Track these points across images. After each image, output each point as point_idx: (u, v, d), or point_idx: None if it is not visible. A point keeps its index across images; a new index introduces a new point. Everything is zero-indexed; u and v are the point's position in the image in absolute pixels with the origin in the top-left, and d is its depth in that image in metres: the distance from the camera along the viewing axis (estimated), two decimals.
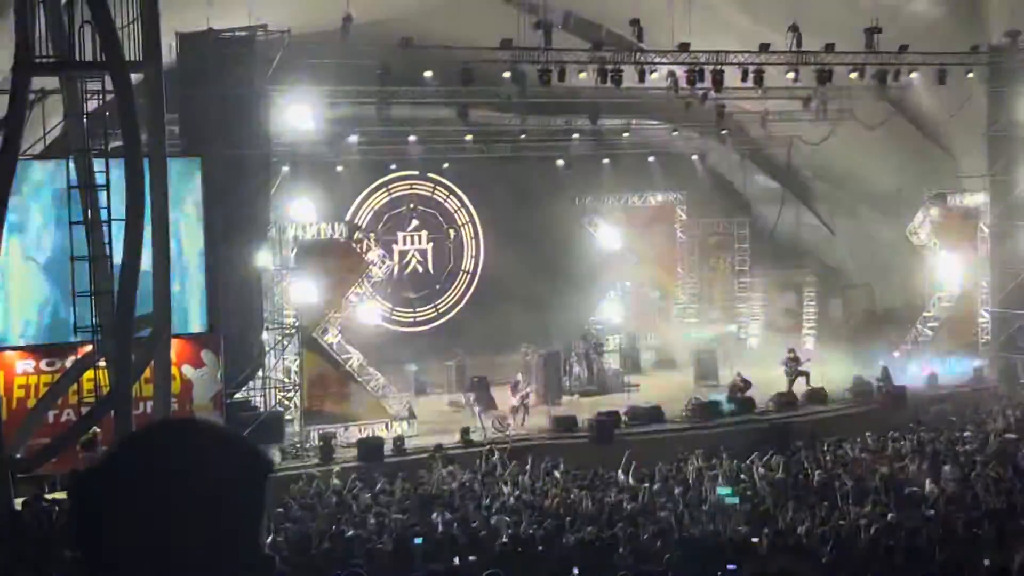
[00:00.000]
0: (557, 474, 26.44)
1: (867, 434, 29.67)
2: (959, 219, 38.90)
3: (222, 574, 1.94)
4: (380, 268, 33.30)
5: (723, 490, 22.77)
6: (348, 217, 37.10)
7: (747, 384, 34.68)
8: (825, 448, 28.67)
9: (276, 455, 28.73)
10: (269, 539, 17.55)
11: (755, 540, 17.68)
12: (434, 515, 21.75)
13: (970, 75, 36.09)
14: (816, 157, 41.92)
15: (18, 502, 21.38)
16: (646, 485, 24.91)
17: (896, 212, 40.28)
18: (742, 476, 25.46)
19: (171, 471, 1.94)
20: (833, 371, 35.55)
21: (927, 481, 23.75)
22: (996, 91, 36.76)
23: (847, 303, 45.22)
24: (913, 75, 35.88)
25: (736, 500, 22.15)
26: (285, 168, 33.87)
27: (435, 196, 41.84)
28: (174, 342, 25.09)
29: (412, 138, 37.84)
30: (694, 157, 44.90)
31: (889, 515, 20.12)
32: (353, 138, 36.93)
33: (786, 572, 3.55)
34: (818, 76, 34.63)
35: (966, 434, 29.46)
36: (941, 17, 35.95)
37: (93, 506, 1.97)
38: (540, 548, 16.56)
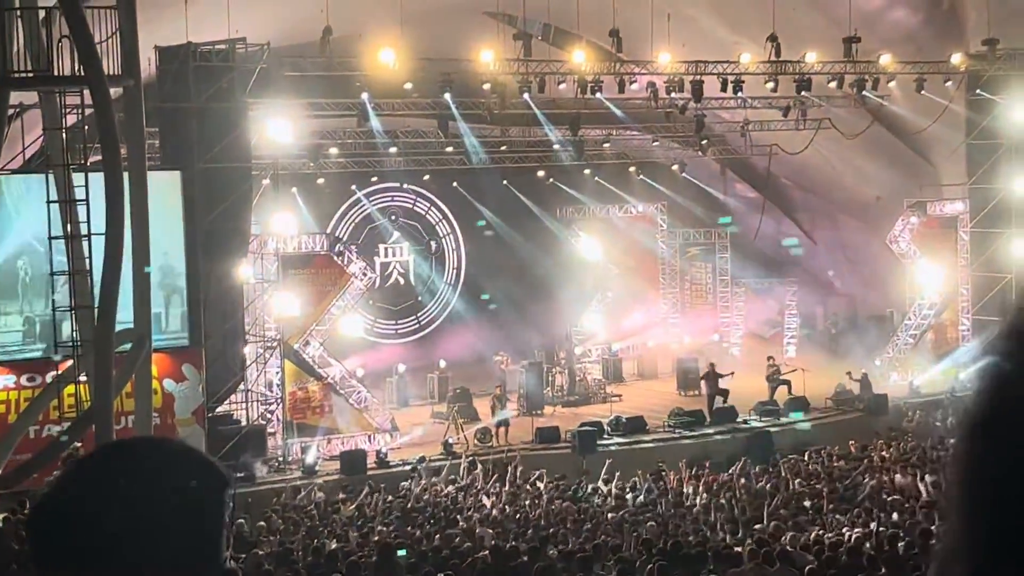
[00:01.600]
0: (540, 485, 26.43)
1: (850, 442, 29.75)
2: (939, 227, 39.03)
3: None
4: (362, 280, 33.27)
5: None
6: (329, 229, 37.08)
7: (716, 375, 34.73)
8: (807, 457, 28.72)
9: (261, 468, 28.69)
10: (262, 552, 17.49)
11: (738, 549, 17.67)
12: (417, 527, 21.73)
13: (948, 84, 36.24)
14: (796, 166, 42.02)
15: None
16: (630, 495, 24.93)
17: (876, 220, 40.41)
18: (725, 487, 25.49)
19: (124, 491, 1.93)
20: (815, 379, 35.59)
21: (911, 488, 23.80)
22: (974, 100, 36.90)
23: (828, 312, 45.33)
24: (891, 84, 36.03)
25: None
26: (266, 181, 33.83)
27: (416, 208, 41.87)
28: (155, 356, 25.01)
29: (392, 150, 37.82)
30: (674, 167, 44.97)
31: (872, 524, 20.16)
32: (334, 150, 36.92)
33: None
34: (797, 85, 34.76)
35: (950, 441, 29.50)
36: (919, 26, 36.11)
37: (47, 533, 1.95)
38: (524, 559, 16.53)
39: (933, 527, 18.05)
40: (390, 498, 25.31)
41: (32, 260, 26.04)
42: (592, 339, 42.01)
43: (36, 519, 1.98)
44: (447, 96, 32.75)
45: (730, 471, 27.10)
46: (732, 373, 35.54)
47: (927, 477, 24.47)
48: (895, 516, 21.27)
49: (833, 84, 35.45)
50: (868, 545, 17.52)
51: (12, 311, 26.82)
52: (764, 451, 30.34)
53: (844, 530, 19.98)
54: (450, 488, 26.53)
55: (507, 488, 26.24)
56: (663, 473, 27.30)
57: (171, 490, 1.95)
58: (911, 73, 35.59)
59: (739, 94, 34.76)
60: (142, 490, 1.93)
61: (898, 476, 25.31)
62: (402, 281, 41.50)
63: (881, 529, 19.36)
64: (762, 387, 35.41)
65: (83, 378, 22.71)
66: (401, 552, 17.56)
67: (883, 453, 28.40)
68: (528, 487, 26.36)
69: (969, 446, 1.43)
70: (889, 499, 22.96)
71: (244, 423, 29.45)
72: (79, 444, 22.88)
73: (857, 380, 35.45)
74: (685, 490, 25.50)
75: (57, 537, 1.94)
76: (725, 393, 34.59)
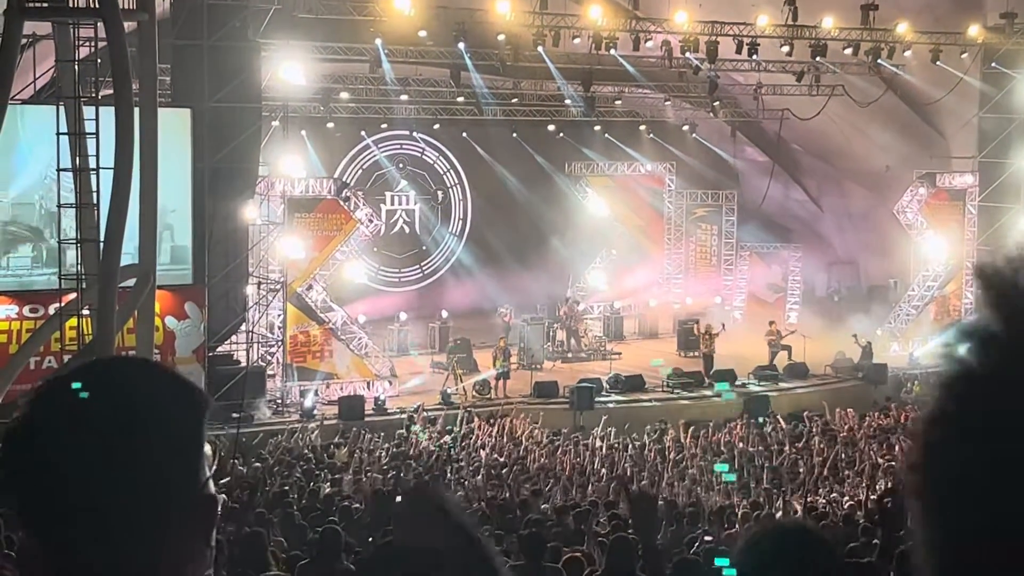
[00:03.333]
0: (537, 434, 26.51)
1: (848, 410, 29.80)
2: (947, 199, 38.94)
3: (159, 514, 1.90)
4: (367, 226, 33.24)
5: (720, 467, 22.70)
6: (337, 174, 37.04)
7: (711, 335, 34.98)
8: (804, 422, 28.78)
9: (264, 411, 28.74)
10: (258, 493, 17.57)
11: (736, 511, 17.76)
12: (412, 475, 21.80)
13: (964, 55, 36.09)
14: (807, 132, 41.90)
15: None
16: (628, 452, 25.02)
17: (884, 190, 40.33)
18: (722, 448, 25.60)
19: (99, 407, 1.89)
20: (816, 346, 35.60)
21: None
22: (989, 73, 36.75)
23: (832, 279, 45.32)
24: (907, 53, 35.88)
25: (733, 478, 22.11)
26: (275, 123, 33.77)
27: (425, 157, 41.80)
28: (158, 293, 25.01)
29: (404, 97, 37.72)
30: (685, 127, 44.85)
31: (861, 490, 20.24)
32: (345, 95, 36.84)
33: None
34: (812, 50, 34.63)
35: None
36: None
37: (19, 453, 1.91)
38: (517, 513, 16.60)
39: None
40: (385, 445, 25.41)
41: (48, 192, 26.07)
42: (595, 296, 42.01)
43: (10, 434, 1.96)
44: (461, 46, 32.63)
45: (724, 431, 27.25)
46: (723, 327, 35.89)
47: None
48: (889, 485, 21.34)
49: (848, 51, 35.31)
50: (860, 514, 17.58)
51: (26, 239, 26.98)
52: (760, 415, 30.41)
53: (839, 496, 20.05)
54: (446, 438, 26.62)
55: (503, 440, 26.32)
56: (664, 431, 27.40)
57: (144, 409, 1.91)
58: (927, 43, 35.44)
59: (754, 57, 34.63)
60: (112, 409, 1.89)
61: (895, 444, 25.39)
62: (407, 230, 41.49)
63: (872, 497, 19.43)
64: (762, 351, 35.44)
65: (86, 311, 22.73)
66: (398, 499, 17.63)
67: (880, 422, 28.47)
68: (525, 440, 26.45)
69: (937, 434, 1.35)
70: (883, 467, 23.05)
71: (244, 364, 29.51)
72: None
73: (861, 346, 35.43)
74: (685, 450, 25.59)
75: (21, 461, 1.91)
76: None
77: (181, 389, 2.00)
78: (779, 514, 17.90)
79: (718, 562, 11.34)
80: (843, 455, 24.84)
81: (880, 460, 24.00)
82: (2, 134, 21.99)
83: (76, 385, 1.94)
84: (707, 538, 14.92)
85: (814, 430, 27.72)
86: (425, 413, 28.89)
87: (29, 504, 1.91)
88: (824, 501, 19.75)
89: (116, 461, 1.87)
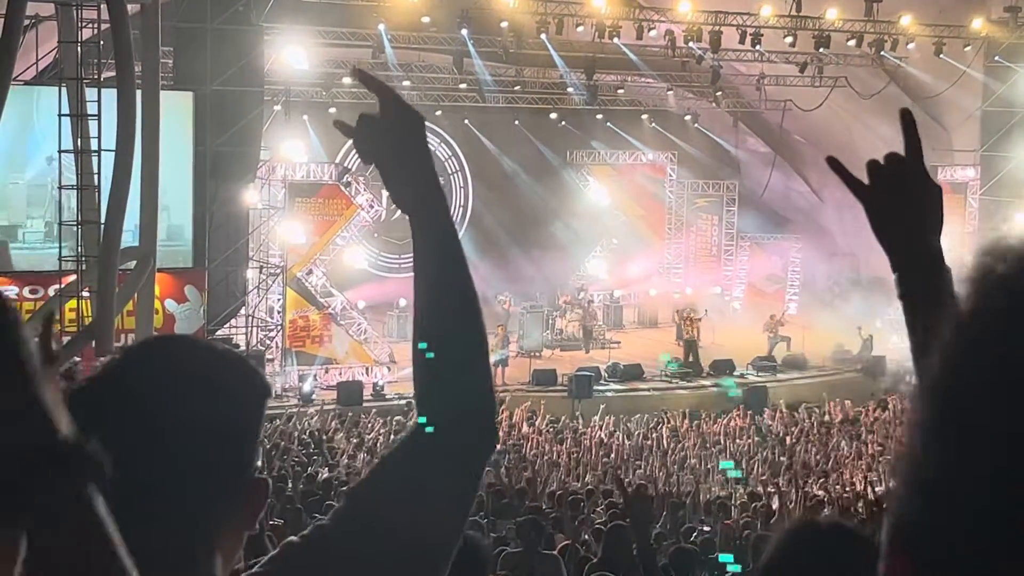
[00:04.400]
0: (538, 422, 26.52)
1: (846, 401, 29.82)
2: (948, 193, 38.63)
3: (208, 495, 1.92)
4: (368, 212, 33.24)
5: (725, 464, 22.58)
6: (338, 160, 37.00)
7: (692, 321, 34.98)
8: (801, 413, 28.80)
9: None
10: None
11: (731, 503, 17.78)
12: None
13: (967, 48, 36.05)
14: (809, 123, 41.86)
15: None
16: (626, 441, 25.03)
17: None
18: (719, 439, 25.61)
19: (168, 385, 1.91)
20: (815, 337, 35.61)
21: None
22: (992, 67, 36.72)
23: (832, 270, 45.30)
24: (910, 46, 35.85)
25: (739, 474, 22.02)
26: (277, 107, 33.75)
27: None
28: (158, 276, 25.02)
29: (406, 83, 37.67)
30: (687, 117, 44.82)
31: (859, 480, 20.25)
32: (347, 80, 36.79)
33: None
34: (815, 41, 34.59)
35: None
36: None
37: (81, 418, 1.95)
38: (514, 499, 16.61)
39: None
40: (383, 430, 25.42)
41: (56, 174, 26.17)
42: (595, 284, 42.02)
43: (75, 400, 1.98)
44: (464, 32, 32.60)
45: (724, 420, 27.28)
46: (706, 312, 36.30)
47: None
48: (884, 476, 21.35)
49: (852, 42, 35.28)
50: (860, 504, 17.60)
51: (38, 216, 27.37)
52: (759, 407, 30.42)
53: (837, 487, 20.07)
54: None
55: (501, 427, 26.34)
56: (663, 420, 27.44)
57: (212, 390, 1.94)
58: (930, 36, 35.41)
59: (757, 47, 34.60)
60: (181, 385, 1.91)
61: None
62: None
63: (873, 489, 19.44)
64: (761, 342, 35.46)
65: (86, 293, 22.74)
66: None
67: (877, 414, 28.47)
68: (524, 427, 26.46)
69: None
70: (880, 459, 23.06)
71: (243, 348, 29.52)
72: (78, 359, 22.96)
73: (864, 339, 35.44)
74: (683, 440, 25.61)
75: (87, 424, 1.94)
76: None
77: (245, 373, 2.03)
78: (776, 504, 17.93)
79: (722, 559, 11.37)
80: (842, 446, 24.86)
81: (877, 451, 24.01)
82: (18, 116, 22.02)
83: (149, 355, 1.97)
84: (704, 528, 14.95)
85: (812, 421, 27.75)
86: None
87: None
88: (822, 492, 19.76)
89: (171, 439, 1.88)
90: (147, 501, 1.85)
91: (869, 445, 24.74)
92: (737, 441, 25.44)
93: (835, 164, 2.36)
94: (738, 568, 10.93)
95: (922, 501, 1.20)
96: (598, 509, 16.33)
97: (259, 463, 2.01)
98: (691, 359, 34.05)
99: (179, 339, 2.16)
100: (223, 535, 1.97)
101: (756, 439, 25.62)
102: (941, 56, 35.53)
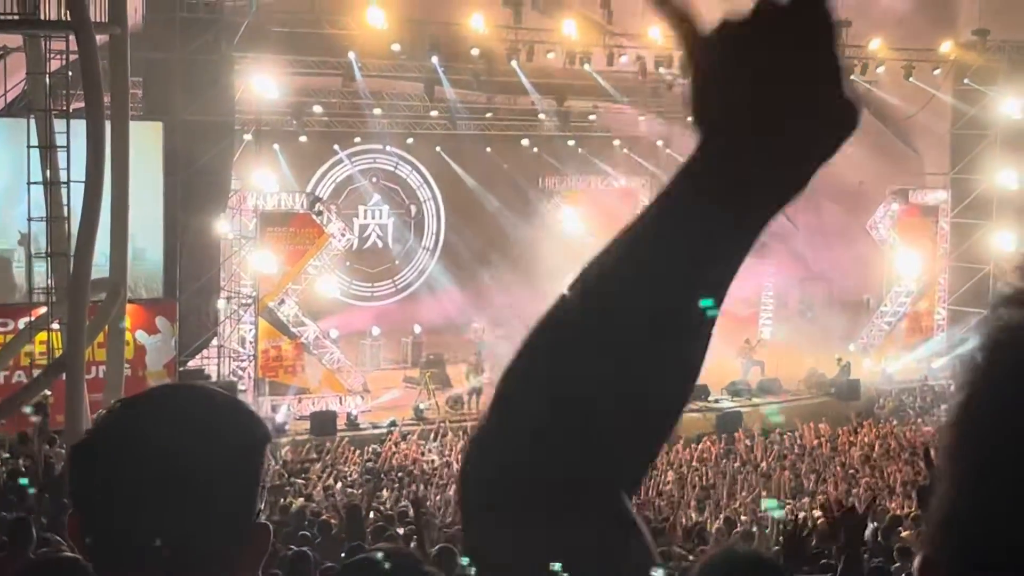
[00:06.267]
0: None
1: (820, 425, 29.83)
2: (919, 215, 39.09)
3: (217, 543, 1.92)
4: (340, 241, 33.16)
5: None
6: (310, 188, 36.91)
7: None
8: (777, 436, 28.80)
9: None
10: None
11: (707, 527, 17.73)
12: (384, 491, 21.72)
13: (936, 72, 36.24)
14: None
15: None
16: None
17: (857, 206, 40.41)
18: (694, 464, 25.59)
19: (168, 437, 1.91)
20: (789, 362, 35.63)
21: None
22: (962, 90, 36.92)
23: (805, 294, 45.36)
24: (880, 69, 36.02)
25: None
26: (248, 136, 33.65)
27: (398, 171, 41.68)
28: (129, 308, 24.89)
29: (377, 111, 37.62)
30: (659, 142, 44.88)
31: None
32: (318, 108, 36.73)
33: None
34: None
35: (926, 428, 29.65)
36: (911, 13, 36.06)
37: (88, 472, 1.95)
38: None
39: (900, 512, 18.11)
40: (358, 459, 25.32)
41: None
42: None
43: (77, 455, 1.98)
44: (435, 60, 32.61)
45: (697, 446, 27.24)
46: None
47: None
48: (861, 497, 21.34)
49: None
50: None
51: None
52: (732, 430, 30.40)
53: (813, 511, 20.02)
54: (420, 452, 26.53)
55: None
56: None
57: (213, 439, 1.94)
58: (900, 60, 35.59)
59: None
60: (184, 437, 1.91)
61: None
62: (380, 244, 41.34)
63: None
64: (735, 366, 35.45)
65: (56, 325, 22.61)
66: (371, 515, 17.53)
67: (851, 438, 28.51)
68: None
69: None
70: (860, 481, 23.07)
71: (215, 379, 29.37)
72: (48, 392, 22.79)
73: (841, 366, 35.51)
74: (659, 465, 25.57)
75: (94, 477, 1.93)
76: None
77: (244, 420, 2.02)
78: (754, 528, 17.89)
79: None
80: (816, 470, 24.87)
81: (851, 474, 24.03)
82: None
83: (150, 407, 1.99)
84: (690, 557, 14.88)
85: (787, 445, 27.75)
86: (398, 428, 28.78)
87: (88, 521, 1.94)
88: (796, 516, 19.71)
89: (175, 488, 1.89)
90: (153, 550, 1.87)
91: (844, 468, 24.76)
92: (708, 463, 25.42)
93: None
94: None
95: (958, 539, 1.17)
96: None
97: (261, 508, 2.00)
98: None
99: (181, 389, 2.15)
100: None
101: (735, 464, 25.58)
102: (911, 79, 35.71)
